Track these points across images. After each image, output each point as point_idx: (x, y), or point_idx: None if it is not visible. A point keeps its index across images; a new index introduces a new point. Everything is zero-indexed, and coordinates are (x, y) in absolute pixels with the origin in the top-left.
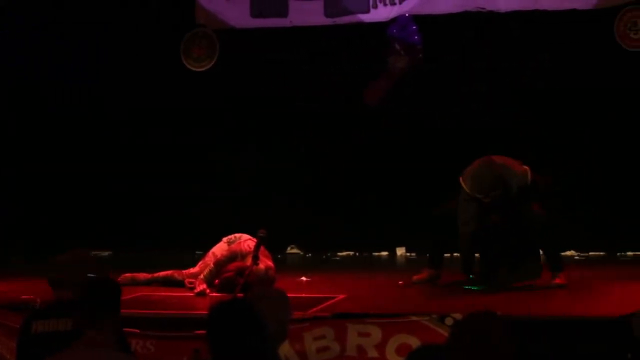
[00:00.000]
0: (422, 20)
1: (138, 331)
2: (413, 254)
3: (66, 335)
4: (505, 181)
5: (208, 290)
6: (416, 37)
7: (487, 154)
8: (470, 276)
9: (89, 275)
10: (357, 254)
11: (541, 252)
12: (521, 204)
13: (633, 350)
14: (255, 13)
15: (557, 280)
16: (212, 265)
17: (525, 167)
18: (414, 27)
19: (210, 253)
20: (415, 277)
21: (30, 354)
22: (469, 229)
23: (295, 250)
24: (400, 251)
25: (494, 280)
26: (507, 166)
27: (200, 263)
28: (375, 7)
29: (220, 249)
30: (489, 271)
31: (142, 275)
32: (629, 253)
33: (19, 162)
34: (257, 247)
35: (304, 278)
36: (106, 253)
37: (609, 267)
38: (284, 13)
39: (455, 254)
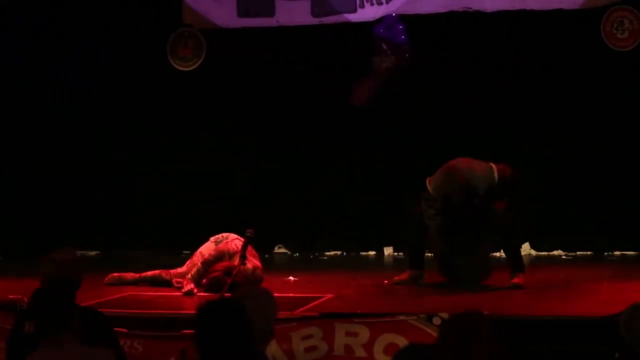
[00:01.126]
0: (408, 20)
1: (126, 331)
2: (401, 254)
3: None
4: (470, 186)
5: (195, 290)
6: (403, 37)
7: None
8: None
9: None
10: (345, 253)
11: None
12: (489, 202)
13: (621, 350)
14: (242, 12)
15: (516, 280)
16: (199, 264)
17: (490, 163)
18: (401, 27)
19: (197, 253)
20: (396, 278)
21: (20, 353)
22: (435, 223)
23: (282, 250)
24: (387, 251)
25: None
26: (472, 169)
27: (187, 263)
28: (362, 6)
29: (207, 248)
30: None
31: (130, 275)
32: (616, 252)
33: (4, 160)
34: (244, 246)
35: (291, 278)
36: (94, 253)
37: (596, 267)
38: (270, 12)
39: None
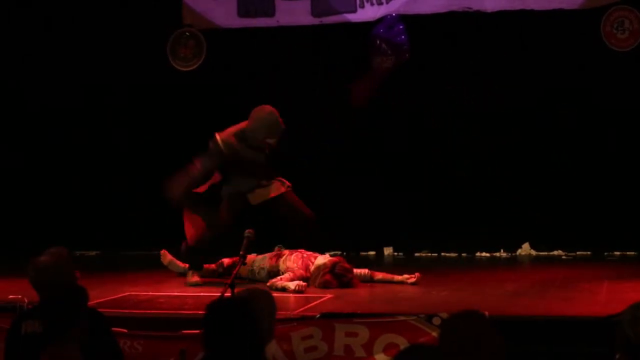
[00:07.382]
0: (409, 20)
1: (126, 331)
2: (400, 254)
3: None
4: None
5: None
6: (403, 37)
7: None
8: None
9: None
10: (345, 253)
11: None
12: None
13: (622, 350)
14: (242, 12)
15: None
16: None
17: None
18: (401, 27)
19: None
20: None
21: (19, 354)
22: None
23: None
24: (387, 251)
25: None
26: None
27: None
28: (362, 6)
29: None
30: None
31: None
32: (616, 252)
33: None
34: (244, 246)
35: None
36: (94, 252)
37: (596, 267)
38: (270, 12)
39: (443, 254)
